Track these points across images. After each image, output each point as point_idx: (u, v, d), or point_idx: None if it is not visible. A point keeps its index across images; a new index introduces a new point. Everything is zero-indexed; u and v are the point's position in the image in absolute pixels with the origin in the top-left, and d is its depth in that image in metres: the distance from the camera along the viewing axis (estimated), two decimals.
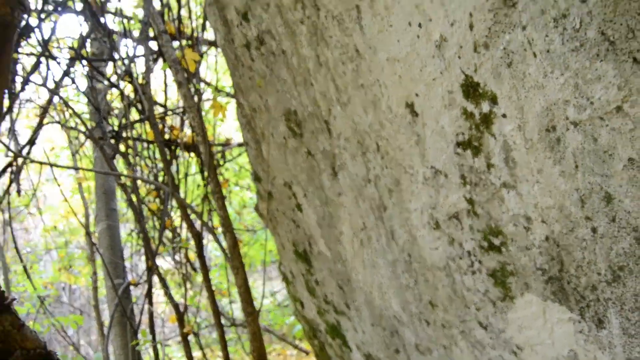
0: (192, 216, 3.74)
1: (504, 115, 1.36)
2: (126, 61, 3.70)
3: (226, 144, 4.30)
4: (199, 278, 5.33)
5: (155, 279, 4.15)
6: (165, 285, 3.34)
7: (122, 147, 4.18)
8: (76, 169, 2.55)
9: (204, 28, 4.01)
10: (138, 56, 3.46)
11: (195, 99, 2.78)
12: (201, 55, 3.45)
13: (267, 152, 3.20)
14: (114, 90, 4.46)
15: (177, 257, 4.84)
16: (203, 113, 3.70)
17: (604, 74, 1.07)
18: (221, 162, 4.47)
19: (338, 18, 1.89)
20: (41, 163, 3.31)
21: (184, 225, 4.28)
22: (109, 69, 5.08)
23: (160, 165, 4.35)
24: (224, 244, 3.04)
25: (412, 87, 1.66)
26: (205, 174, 3.95)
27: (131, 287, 4.71)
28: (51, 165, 3.00)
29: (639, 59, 1.00)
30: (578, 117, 1.16)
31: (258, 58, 2.67)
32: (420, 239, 1.99)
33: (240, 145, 4.28)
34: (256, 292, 7.85)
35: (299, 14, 2.14)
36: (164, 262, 6.24)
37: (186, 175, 3.89)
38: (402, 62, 1.66)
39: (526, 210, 1.42)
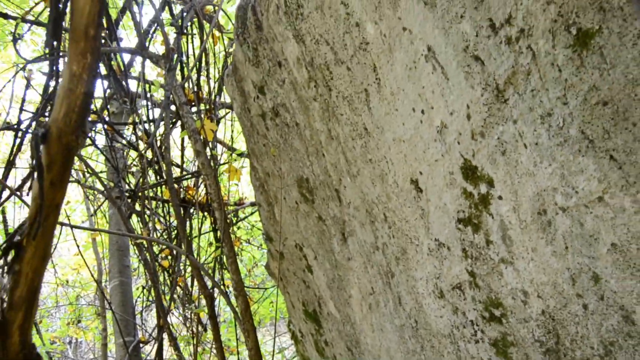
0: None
1: (500, 197, 1.49)
2: (146, 125, 3.88)
3: (239, 203, 4.45)
4: (208, 335, 5.35)
5: (165, 336, 4.21)
6: (176, 346, 3.41)
7: (137, 206, 4.33)
8: (93, 230, 2.67)
9: (220, 92, 4.22)
10: (158, 120, 3.65)
11: (212, 164, 2.93)
12: (218, 122, 3.63)
13: (279, 215, 3.32)
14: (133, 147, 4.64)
15: (187, 315, 4.90)
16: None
17: (586, 168, 1.19)
18: (234, 220, 4.60)
19: (348, 99, 2.05)
20: (61, 224, 3.44)
21: (195, 282, 4.37)
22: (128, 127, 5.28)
23: (174, 222, 4.48)
24: (234, 303, 3.11)
25: (416, 165, 1.80)
26: (219, 234, 4.07)
27: (140, 344, 4.76)
28: (71, 226, 3.13)
29: (615, 156, 1.12)
30: (565, 204, 1.28)
31: (273, 128, 2.84)
32: (426, 306, 2.07)
33: (252, 204, 4.42)
34: (265, 350, 7.81)
35: (312, 91, 2.30)
36: (173, 317, 6.28)
37: (199, 233, 4.02)
38: (407, 143, 1.80)
39: (523, 285, 1.52)
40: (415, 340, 2.26)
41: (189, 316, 4.68)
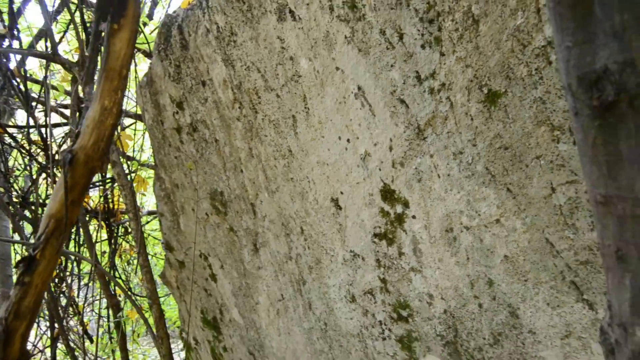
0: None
1: (413, 217, 1.78)
2: (42, 130, 3.78)
3: None
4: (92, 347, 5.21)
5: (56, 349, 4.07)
6: (74, 357, 3.35)
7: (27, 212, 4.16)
8: None
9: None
10: (56, 125, 3.58)
11: (129, 175, 2.97)
12: (124, 128, 3.65)
13: (185, 225, 3.42)
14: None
15: (70, 325, 4.75)
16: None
17: (488, 196, 1.52)
18: (129, 229, 4.56)
19: (275, 123, 2.26)
20: None
21: (80, 293, 4.29)
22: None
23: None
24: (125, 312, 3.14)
25: (338, 186, 2.05)
26: (113, 242, 4.05)
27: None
28: None
29: (511, 189, 1.46)
30: (469, 224, 1.60)
31: (189, 142, 2.96)
32: (337, 310, 2.33)
33: (150, 213, 4.43)
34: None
35: (236, 112, 2.48)
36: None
37: (96, 242, 3.97)
38: (330, 166, 2.05)
39: (429, 289, 1.83)
40: (323, 341, 2.51)
41: (73, 328, 4.56)
